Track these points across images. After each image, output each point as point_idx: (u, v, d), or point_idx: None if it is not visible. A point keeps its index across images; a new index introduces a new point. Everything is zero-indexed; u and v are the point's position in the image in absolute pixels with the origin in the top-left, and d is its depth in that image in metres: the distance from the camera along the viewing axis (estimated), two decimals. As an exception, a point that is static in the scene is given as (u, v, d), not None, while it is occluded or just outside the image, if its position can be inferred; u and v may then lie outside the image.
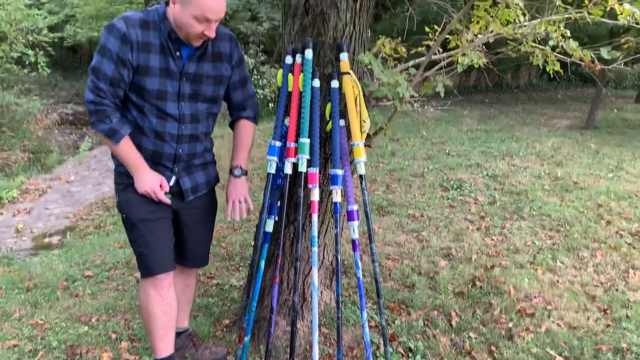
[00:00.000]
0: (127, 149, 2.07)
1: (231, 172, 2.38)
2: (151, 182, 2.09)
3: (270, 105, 11.26)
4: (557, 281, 3.53)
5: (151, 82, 2.03)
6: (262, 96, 11.07)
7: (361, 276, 2.46)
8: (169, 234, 2.25)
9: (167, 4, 2.04)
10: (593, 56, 2.71)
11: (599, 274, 3.67)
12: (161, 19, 2.02)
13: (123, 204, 2.18)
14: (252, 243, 4.13)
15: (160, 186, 2.13)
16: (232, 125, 2.43)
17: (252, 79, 11.32)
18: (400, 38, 3.14)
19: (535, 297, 3.31)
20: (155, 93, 2.05)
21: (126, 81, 2.01)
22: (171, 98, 2.09)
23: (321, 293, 2.98)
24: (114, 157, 2.20)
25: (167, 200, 2.13)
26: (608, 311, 3.16)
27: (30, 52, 9.78)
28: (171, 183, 2.19)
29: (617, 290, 3.42)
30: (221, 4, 1.97)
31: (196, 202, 2.32)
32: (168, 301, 2.22)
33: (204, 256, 2.51)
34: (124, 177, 2.16)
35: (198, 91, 2.16)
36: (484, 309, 3.17)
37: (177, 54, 2.07)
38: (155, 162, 2.14)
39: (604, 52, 2.59)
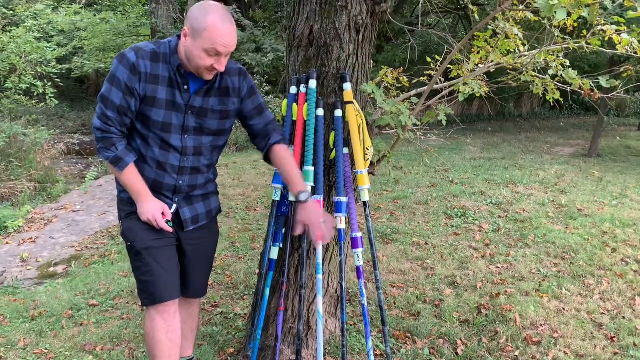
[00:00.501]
0: (132, 176, 2.09)
1: (298, 200, 2.24)
2: (153, 210, 2.11)
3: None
4: (563, 309, 3.51)
5: (157, 114, 2.07)
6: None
7: (366, 303, 2.47)
8: (174, 261, 2.24)
9: (179, 37, 2.07)
10: (592, 85, 2.76)
11: (605, 301, 3.64)
12: (172, 53, 2.06)
13: (127, 232, 2.18)
14: (257, 271, 4.13)
15: (163, 214, 2.14)
16: (267, 158, 2.35)
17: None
18: (402, 68, 3.21)
19: (541, 325, 3.29)
20: (160, 125, 2.09)
21: (133, 110, 2.06)
22: (175, 130, 2.12)
23: (326, 321, 2.98)
24: (117, 184, 2.24)
25: (168, 228, 2.14)
26: (615, 339, 3.14)
27: (39, 83, 9.93)
28: (172, 211, 2.21)
29: (624, 317, 3.40)
30: (232, 38, 1.99)
31: (197, 232, 2.32)
32: (174, 328, 2.21)
33: (203, 286, 2.50)
34: (127, 205, 2.19)
35: (203, 125, 2.17)
36: (490, 337, 3.15)
37: (185, 87, 2.10)
38: (155, 191, 2.16)
39: (603, 81, 2.64)
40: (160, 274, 2.16)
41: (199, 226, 2.31)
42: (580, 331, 3.23)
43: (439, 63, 3.09)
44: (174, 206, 2.21)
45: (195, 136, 2.17)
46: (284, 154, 2.29)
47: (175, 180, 2.18)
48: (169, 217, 2.17)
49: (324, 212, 2.30)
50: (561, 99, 3.00)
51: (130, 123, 2.10)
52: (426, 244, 4.81)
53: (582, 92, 2.78)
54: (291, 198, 2.45)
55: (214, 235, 2.46)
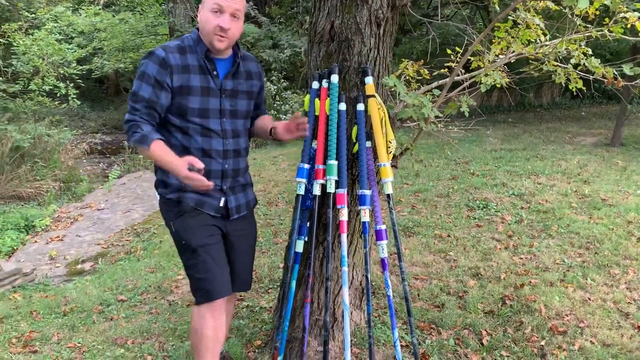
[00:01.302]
0: (160, 151, 2.05)
1: (273, 128, 2.41)
2: (185, 161, 1.99)
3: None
4: (589, 299, 3.49)
5: (193, 101, 2.16)
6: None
7: (391, 294, 2.49)
8: (225, 259, 2.30)
9: (198, 29, 2.21)
10: (615, 73, 2.74)
11: (631, 290, 3.62)
12: (196, 43, 2.19)
13: (181, 231, 2.22)
14: (280, 265, 4.18)
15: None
16: (251, 126, 2.52)
17: (275, 105, 11.48)
18: (422, 61, 3.21)
19: (567, 315, 3.28)
20: (198, 111, 2.17)
21: (163, 103, 2.13)
22: (214, 115, 2.21)
23: (351, 313, 3.01)
24: (160, 187, 2.28)
25: (201, 165, 2.01)
26: (642, 328, 3.12)
27: (61, 84, 10.10)
28: (221, 204, 2.27)
29: (651, 307, 3.38)
30: None
31: (240, 223, 2.39)
32: (220, 325, 2.26)
33: (248, 279, 2.56)
34: (175, 205, 2.23)
35: (236, 107, 2.29)
36: (515, 328, 3.16)
37: (215, 72, 2.21)
38: None
39: (626, 69, 2.62)
40: (216, 270, 2.21)
41: (241, 216, 2.38)
42: (607, 321, 3.21)
43: (459, 55, 3.09)
44: (222, 199, 2.27)
45: (231, 119, 2.28)
46: (267, 117, 2.54)
47: (221, 165, 2.25)
48: (201, 165, 2.02)
49: None
50: (584, 88, 2.98)
51: (158, 118, 2.15)
52: (448, 236, 4.81)
53: (605, 80, 2.76)
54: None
55: (254, 226, 2.54)
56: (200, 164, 1.99)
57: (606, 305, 3.42)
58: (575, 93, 3.50)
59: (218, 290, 2.21)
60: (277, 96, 11.78)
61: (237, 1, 2.13)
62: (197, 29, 2.23)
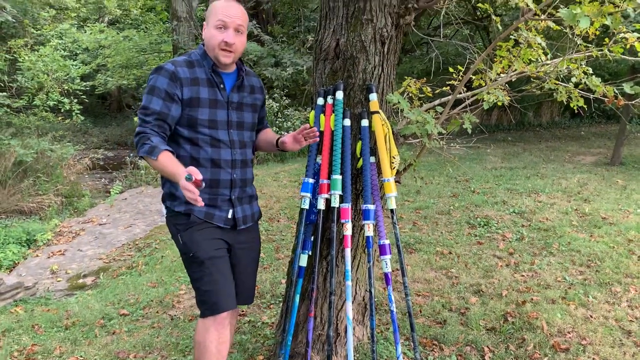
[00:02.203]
0: (167, 161, 2.04)
1: (278, 141, 2.48)
2: (186, 170, 1.94)
3: (295, 147, 11.44)
4: (591, 316, 3.50)
5: (202, 112, 2.22)
6: (286, 138, 11.30)
7: (394, 309, 2.50)
8: (231, 273, 2.33)
9: (203, 45, 2.30)
10: (616, 92, 2.78)
11: (633, 308, 3.62)
12: (203, 57, 2.27)
13: (189, 244, 2.24)
14: (283, 281, 4.19)
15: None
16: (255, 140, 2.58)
17: (277, 122, 11.56)
18: (425, 79, 3.26)
19: (569, 332, 3.28)
20: (207, 122, 2.23)
21: (173, 115, 2.18)
22: (222, 126, 2.27)
23: (353, 329, 3.01)
24: (167, 200, 2.30)
25: (199, 176, 1.93)
26: (645, 346, 3.12)
27: (65, 100, 10.19)
28: (229, 216, 2.30)
29: (652, 325, 3.38)
30: (234, 10, 2.21)
31: (245, 235, 2.42)
32: (224, 339, 2.27)
33: (252, 292, 2.58)
34: (182, 218, 2.25)
35: (242, 119, 2.36)
36: (517, 345, 3.16)
37: (222, 86, 2.29)
38: (213, 192, 2.25)
39: (627, 87, 2.66)
40: (222, 283, 2.24)
41: (247, 228, 2.41)
42: (609, 338, 3.22)
43: (461, 73, 3.14)
44: (230, 211, 2.30)
45: (238, 130, 2.34)
46: (270, 130, 2.64)
47: (230, 174, 2.29)
48: (199, 176, 1.96)
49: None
50: (585, 106, 3.02)
51: (170, 130, 2.20)
52: (450, 253, 4.82)
53: (606, 99, 2.80)
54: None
55: (258, 239, 2.56)
56: (199, 175, 1.92)
57: (608, 322, 3.42)
58: (576, 112, 3.55)
59: (224, 303, 2.23)
60: (279, 113, 11.86)
61: (239, 17, 2.22)
62: (203, 44, 2.31)
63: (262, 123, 2.60)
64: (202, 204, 1.94)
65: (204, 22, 2.28)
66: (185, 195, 1.92)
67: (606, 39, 2.75)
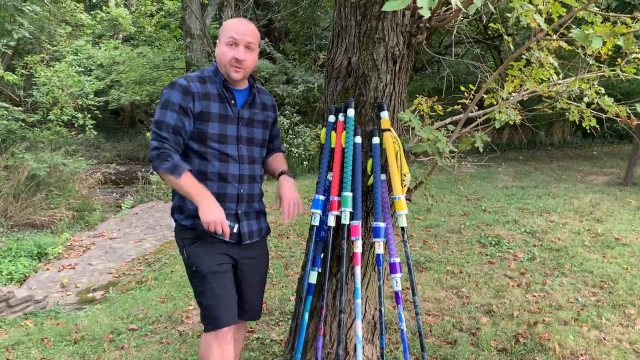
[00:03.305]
0: (190, 181, 2.17)
1: (282, 172, 2.51)
2: (220, 214, 2.15)
3: (305, 163, 11.48)
4: (604, 338, 3.44)
5: (212, 127, 2.25)
6: (297, 155, 11.33)
7: (404, 328, 2.48)
8: (234, 288, 2.33)
9: (216, 62, 2.34)
10: (629, 112, 2.77)
11: (647, 331, 3.56)
12: (215, 73, 2.32)
13: (193, 258, 2.26)
14: (292, 298, 4.17)
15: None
16: (264, 160, 2.60)
17: (287, 139, 11.62)
18: (436, 97, 3.27)
19: (581, 355, 3.23)
20: (217, 137, 2.26)
21: (187, 130, 2.21)
22: (231, 141, 2.30)
23: (363, 347, 2.98)
24: (176, 213, 2.32)
25: (228, 230, 2.17)
26: (660, 370, 3.06)
27: (79, 115, 10.32)
28: (235, 230, 2.30)
29: (668, 348, 3.32)
30: (246, 28, 2.26)
31: (252, 251, 2.42)
32: (227, 355, 2.26)
33: (259, 308, 2.57)
34: (189, 232, 2.28)
35: (252, 135, 2.38)
36: (529, 366, 3.11)
37: (232, 102, 2.32)
38: (220, 202, 2.25)
39: (640, 107, 2.65)
40: (224, 298, 2.25)
41: (253, 243, 2.41)
42: (623, 361, 3.16)
43: (472, 92, 3.15)
44: (236, 226, 2.31)
45: (248, 146, 2.36)
46: (280, 156, 2.64)
47: (237, 189, 2.31)
48: (227, 228, 2.19)
49: (298, 196, 2.49)
50: (597, 126, 3.01)
51: (183, 144, 2.23)
52: (460, 272, 4.78)
53: (619, 118, 2.79)
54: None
55: (266, 255, 2.55)
56: (227, 230, 2.17)
57: (622, 345, 3.36)
58: (588, 131, 3.53)
59: (225, 318, 2.23)
60: (290, 130, 11.92)
61: (250, 34, 2.26)
62: (216, 62, 2.35)
63: (272, 141, 2.59)
64: (227, 233, 2.19)
65: (217, 40, 2.32)
66: (210, 227, 2.13)
67: (619, 59, 2.75)
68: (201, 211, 2.14)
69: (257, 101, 2.42)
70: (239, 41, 2.22)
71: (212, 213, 2.15)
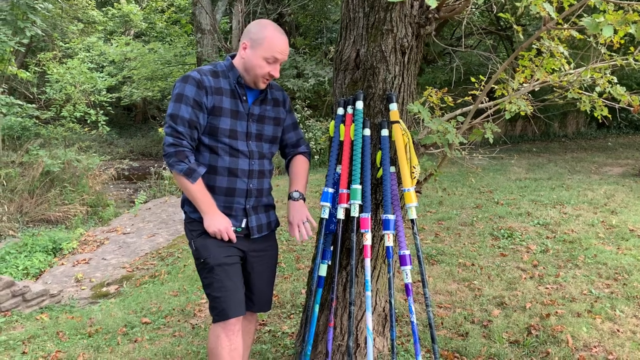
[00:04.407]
0: (202, 188, 2.22)
1: (290, 196, 2.47)
2: (224, 222, 2.24)
3: (316, 157, 11.49)
4: (618, 330, 3.41)
5: (224, 122, 2.25)
6: (308, 149, 11.35)
7: (415, 320, 2.48)
8: (242, 280, 2.35)
9: (232, 57, 2.34)
10: (642, 101, 2.73)
11: (662, 323, 3.52)
12: (229, 69, 2.31)
13: (201, 250, 2.28)
14: (303, 291, 4.18)
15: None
16: (287, 164, 2.59)
17: (298, 133, 11.61)
18: (446, 88, 3.25)
19: (595, 347, 3.20)
20: (227, 132, 2.26)
21: (201, 123, 2.22)
22: (241, 137, 2.30)
23: (374, 340, 2.99)
24: (186, 205, 2.34)
25: (234, 237, 2.27)
26: (674, 362, 3.03)
27: (92, 111, 10.41)
28: (243, 225, 2.32)
29: (683, 340, 3.28)
30: (287, 46, 2.28)
31: (261, 243, 2.43)
32: (235, 346, 2.28)
33: (269, 300, 2.58)
34: (197, 225, 2.29)
35: (262, 131, 2.38)
36: (541, 358, 3.10)
37: (244, 98, 2.32)
38: (228, 200, 2.29)
39: (653, 97, 2.61)
40: (232, 290, 2.26)
41: (262, 236, 2.42)
42: (637, 354, 3.13)
43: (483, 83, 3.12)
44: (244, 220, 2.33)
45: (257, 142, 2.36)
46: (304, 163, 2.56)
47: (246, 184, 2.32)
48: (232, 235, 2.27)
49: (307, 214, 2.45)
50: (609, 115, 2.97)
51: (197, 138, 2.24)
52: (472, 264, 4.76)
53: (632, 108, 2.75)
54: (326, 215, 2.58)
55: (275, 247, 2.55)
56: (233, 237, 2.27)
57: (636, 337, 3.33)
58: (601, 122, 3.49)
59: (232, 310, 2.25)
60: (300, 124, 11.93)
61: (287, 52, 2.29)
62: (231, 56, 2.35)
63: (289, 137, 2.54)
64: (234, 239, 2.28)
65: (249, 41, 2.24)
66: (217, 235, 2.24)
67: (631, 48, 2.71)
68: (206, 221, 2.23)
69: (268, 97, 2.42)
70: (279, 60, 2.25)
71: (217, 223, 2.23)
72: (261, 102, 2.38)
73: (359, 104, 2.55)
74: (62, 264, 6.25)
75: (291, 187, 2.49)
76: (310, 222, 2.45)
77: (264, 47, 2.21)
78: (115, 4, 17.97)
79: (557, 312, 3.68)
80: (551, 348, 3.18)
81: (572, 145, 14.39)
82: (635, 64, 2.62)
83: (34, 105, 10.12)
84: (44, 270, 6.09)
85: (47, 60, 10.91)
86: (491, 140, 2.65)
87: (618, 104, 2.85)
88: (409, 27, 2.53)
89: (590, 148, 13.64)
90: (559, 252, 5.02)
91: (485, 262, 4.83)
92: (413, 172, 2.51)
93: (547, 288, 4.16)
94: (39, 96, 10.56)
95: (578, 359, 3.05)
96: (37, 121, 10.08)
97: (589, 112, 2.99)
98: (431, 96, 3.10)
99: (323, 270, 2.61)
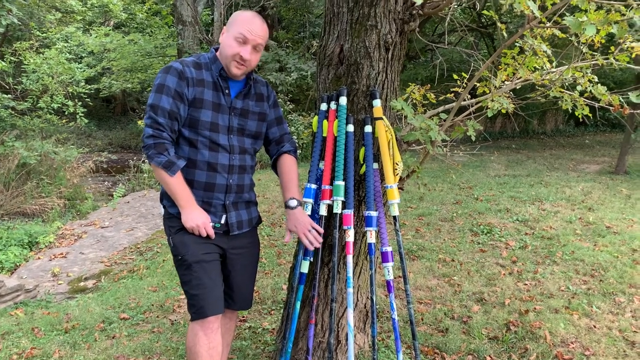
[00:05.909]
0: (181, 182, 2.18)
1: (287, 205, 2.40)
2: (202, 217, 2.19)
3: (299, 152, 11.45)
4: (594, 326, 3.46)
5: (205, 114, 2.21)
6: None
7: (396, 317, 2.48)
8: (220, 277, 2.31)
9: (216, 49, 2.30)
10: (622, 100, 2.76)
11: (637, 319, 3.59)
12: (212, 61, 2.27)
13: (179, 246, 2.23)
14: (284, 286, 4.17)
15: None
16: (274, 164, 2.52)
17: (280, 127, 11.57)
18: (429, 85, 3.25)
19: (572, 343, 3.25)
20: (208, 125, 2.22)
21: (182, 115, 2.18)
22: (222, 130, 2.26)
23: (355, 336, 2.99)
24: (164, 200, 2.30)
25: (212, 233, 2.23)
26: (649, 357, 3.09)
27: (69, 103, 10.21)
28: (222, 221, 2.28)
29: (657, 336, 3.34)
30: (258, 27, 2.20)
31: (241, 240, 2.39)
32: (214, 344, 2.25)
33: (250, 298, 2.54)
34: (176, 221, 2.24)
35: (244, 126, 2.33)
36: (519, 354, 3.13)
37: (227, 91, 2.27)
38: (207, 195, 2.25)
39: (633, 96, 2.64)
40: (210, 287, 2.22)
41: (242, 233, 2.38)
42: (613, 349, 3.18)
43: (465, 80, 3.13)
44: (224, 217, 2.29)
45: (239, 137, 2.32)
46: (291, 164, 2.48)
47: (226, 179, 2.27)
48: (211, 231, 2.23)
49: (310, 221, 2.40)
50: (590, 114, 3.00)
51: (177, 130, 2.20)
52: (452, 260, 4.80)
53: (611, 107, 2.78)
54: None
55: (256, 244, 2.52)
56: (211, 233, 2.23)
57: (612, 333, 3.39)
58: (580, 120, 3.53)
59: (210, 308, 2.21)
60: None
61: (261, 36, 2.21)
62: (215, 49, 2.31)
63: (273, 132, 2.48)
64: (213, 235, 2.24)
65: (225, 26, 2.26)
66: (194, 231, 2.20)
67: (612, 47, 2.73)
68: (184, 216, 2.18)
69: (252, 92, 2.37)
70: (249, 41, 2.17)
71: (195, 218, 2.18)
72: (244, 96, 2.33)
73: (343, 100, 2.53)
74: (39, 258, 6.13)
75: (286, 195, 2.41)
76: (315, 228, 2.39)
77: (234, 26, 2.19)
78: (94, -7, 17.63)
79: (535, 308, 3.72)
80: (530, 344, 3.22)
81: (551, 142, 14.58)
82: (616, 64, 2.65)
83: (9, 95, 9.87)
84: (20, 265, 5.97)
85: (24, 50, 10.65)
86: (473, 138, 2.65)
87: (598, 103, 2.88)
88: (393, 23, 2.51)
89: (568, 145, 13.84)
90: (537, 248, 5.08)
91: (465, 257, 4.87)
92: (396, 169, 2.50)
93: (525, 284, 4.21)
94: (15, 86, 10.31)
95: (556, 355, 3.09)
96: (13, 112, 9.84)
97: (570, 111, 3.01)
98: (414, 93, 3.10)
99: (305, 267, 2.59)
